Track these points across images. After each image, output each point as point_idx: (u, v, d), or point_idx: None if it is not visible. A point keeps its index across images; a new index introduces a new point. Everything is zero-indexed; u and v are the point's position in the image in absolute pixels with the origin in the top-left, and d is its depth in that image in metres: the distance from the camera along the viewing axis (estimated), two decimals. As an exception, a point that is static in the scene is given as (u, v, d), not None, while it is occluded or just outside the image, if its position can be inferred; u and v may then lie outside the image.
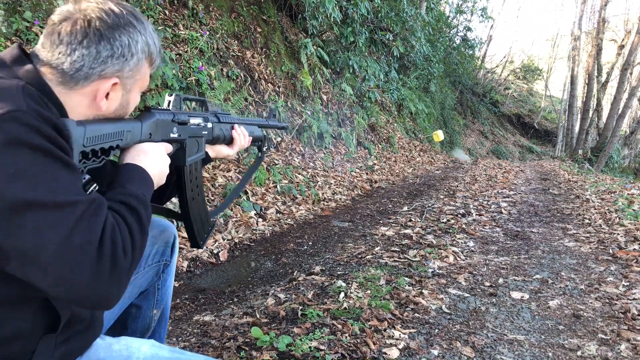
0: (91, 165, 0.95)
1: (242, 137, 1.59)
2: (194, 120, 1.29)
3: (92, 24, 0.91)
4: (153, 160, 1.07)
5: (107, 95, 0.96)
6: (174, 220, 1.88)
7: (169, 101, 1.23)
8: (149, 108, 1.14)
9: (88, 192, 0.86)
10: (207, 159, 1.47)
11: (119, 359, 1.01)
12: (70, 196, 0.76)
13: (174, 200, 3.18)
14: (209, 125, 1.40)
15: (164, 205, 1.39)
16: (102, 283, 0.77)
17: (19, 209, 0.71)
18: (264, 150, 1.86)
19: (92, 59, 0.91)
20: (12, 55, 0.89)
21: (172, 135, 1.19)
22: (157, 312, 1.54)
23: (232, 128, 1.56)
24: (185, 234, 3.54)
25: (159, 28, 4.78)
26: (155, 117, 1.13)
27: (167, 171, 1.13)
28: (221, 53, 5.82)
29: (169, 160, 1.14)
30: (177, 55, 4.87)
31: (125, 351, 1.03)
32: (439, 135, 13.09)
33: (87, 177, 0.90)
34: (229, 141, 1.57)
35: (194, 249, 3.52)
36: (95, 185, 0.91)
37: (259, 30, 7.04)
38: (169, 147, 1.19)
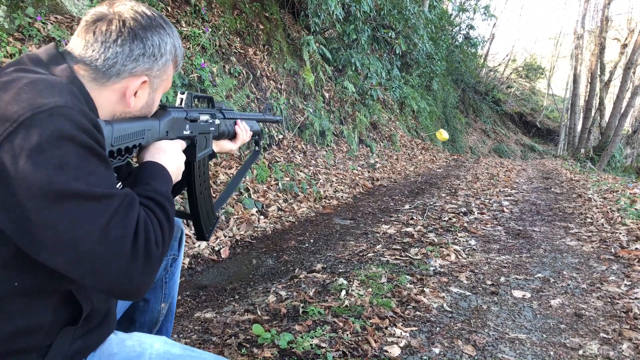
0: (116, 163, 0.98)
1: (244, 132, 1.64)
2: (203, 117, 1.33)
3: (126, 24, 0.95)
4: (171, 157, 1.10)
5: (135, 93, 1.00)
6: None
7: (181, 99, 1.27)
8: (165, 106, 1.17)
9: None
10: (212, 154, 1.50)
11: (132, 355, 1.02)
12: (107, 189, 0.79)
13: (178, 198, 3.18)
14: (216, 121, 1.43)
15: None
16: (136, 273, 0.80)
17: (60, 198, 0.73)
18: (261, 144, 1.90)
19: (125, 56, 0.95)
20: (49, 54, 0.92)
21: (185, 132, 1.23)
22: (164, 305, 1.56)
23: (235, 123, 1.60)
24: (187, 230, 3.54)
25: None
26: (171, 115, 1.16)
27: (183, 168, 1.16)
28: (223, 50, 5.81)
29: (184, 157, 1.17)
30: (179, 52, 4.86)
31: (138, 347, 1.04)
32: (443, 134, 12.99)
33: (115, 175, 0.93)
34: (232, 136, 1.61)
35: (198, 244, 3.52)
36: (120, 183, 0.93)
37: (262, 27, 7.03)
38: (183, 144, 1.22)
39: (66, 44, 3.12)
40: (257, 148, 1.91)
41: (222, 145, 1.58)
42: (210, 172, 4.42)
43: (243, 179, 1.96)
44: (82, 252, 0.75)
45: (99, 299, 0.98)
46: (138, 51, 0.96)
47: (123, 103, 0.99)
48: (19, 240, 0.76)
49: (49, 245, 0.74)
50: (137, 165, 1.09)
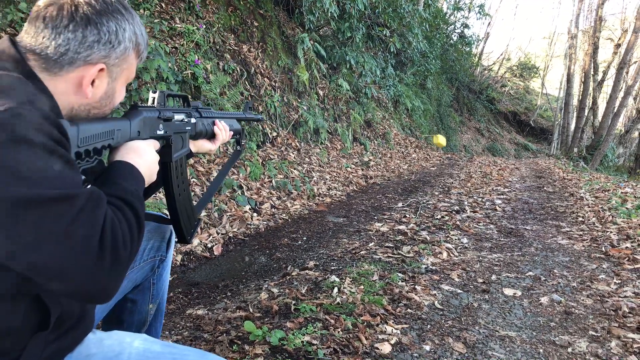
0: (85, 165, 0.94)
1: (223, 131, 1.60)
2: (177, 117, 1.30)
3: (79, 9, 0.90)
4: (143, 157, 1.07)
5: (93, 82, 0.95)
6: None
7: (154, 98, 1.23)
8: (136, 105, 1.14)
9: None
10: (189, 154, 1.46)
11: (111, 354, 1.00)
12: (70, 189, 0.76)
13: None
14: (192, 120, 1.40)
15: (151, 211, 1.40)
16: (103, 275, 0.78)
17: (21, 206, 0.71)
18: (242, 143, 1.86)
19: (77, 43, 0.89)
20: (2, 47, 0.88)
21: (158, 132, 1.20)
22: (152, 306, 1.55)
23: (214, 123, 1.56)
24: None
25: (155, 21, 4.75)
26: (143, 115, 1.13)
27: (157, 168, 1.13)
28: (217, 47, 5.80)
29: (157, 158, 1.14)
30: (173, 49, 4.85)
31: (117, 346, 1.02)
32: (440, 139, 13.02)
33: (82, 177, 0.90)
34: (211, 136, 1.57)
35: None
36: (89, 185, 0.90)
37: (256, 24, 7.01)
38: (156, 144, 1.18)
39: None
40: (238, 147, 1.87)
41: (200, 145, 1.55)
42: (203, 169, 4.42)
43: (224, 179, 1.92)
44: (47, 254, 0.72)
45: (70, 301, 0.95)
46: (92, 37, 0.91)
47: (80, 94, 0.94)
48: None
49: (9, 249, 0.72)
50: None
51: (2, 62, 0.86)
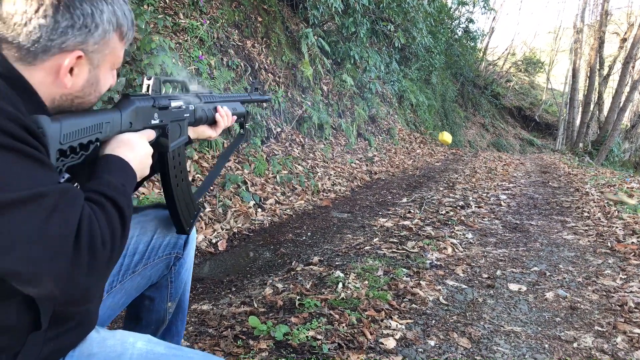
0: (70, 162, 0.89)
1: (225, 118, 1.52)
2: (175, 104, 1.23)
3: None
4: (134, 150, 1.01)
5: (71, 70, 0.89)
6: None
7: (148, 85, 1.17)
8: (128, 95, 1.08)
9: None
10: (188, 141, 1.40)
11: (112, 355, 0.98)
12: (38, 189, 0.72)
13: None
14: (191, 107, 1.33)
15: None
16: (80, 275, 0.74)
17: None
18: (246, 127, 1.76)
19: (49, 29, 0.83)
20: None
21: (153, 121, 1.13)
22: (171, 304, 1.50)
23: (215, 109, 1.49)
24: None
25: (159, 16, 4.75)
26: (135, 105, 1.07)
27: (150, 161, 1.08)
28: (221, 42, 5.79)
29: (151, 150, 1.08)
30: (177, 44, 4.85)
31: (119, 347, 0.99)
32: (445, 136, 13.01)
33: (67, 176, 0.86)
34: (212, 121, 1.50)
35: (196, 237, 3.52)
36: (76, 184, 0.86)
37: (260, 19, 7.00)
38: (151, 134, 1.13)
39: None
40: (242, 131, 1.78)
41: (200, 132, 1.48)
42: (207, 165, 4.42)
43: (226, 162, 1.83)
44: (18, 258, 0.68)
45: None
46: (65, 22, 0.84)
47: (59, 83, 0.88)
48: None
49: None
50: None
51: None
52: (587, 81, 20.23)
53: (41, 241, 0.70)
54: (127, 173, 0.96)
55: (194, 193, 1.48)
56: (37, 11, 0.82)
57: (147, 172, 1.07)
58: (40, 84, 0.86)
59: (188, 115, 1.31)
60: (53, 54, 0.85)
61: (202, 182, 1.73)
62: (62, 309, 0.90)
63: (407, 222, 4.41)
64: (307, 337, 2.08)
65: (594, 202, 5.88)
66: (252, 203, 4.48)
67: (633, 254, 3.67)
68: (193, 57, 4.89)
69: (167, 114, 1.20)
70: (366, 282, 2.79)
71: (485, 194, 6.28)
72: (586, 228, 4.56)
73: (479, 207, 5.34)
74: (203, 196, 3.97)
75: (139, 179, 1.03)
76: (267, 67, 6.71)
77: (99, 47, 0.91)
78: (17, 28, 0.82)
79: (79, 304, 0.79)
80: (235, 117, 1.61)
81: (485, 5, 19.58)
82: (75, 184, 0.86)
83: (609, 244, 3.97)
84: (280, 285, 2.74)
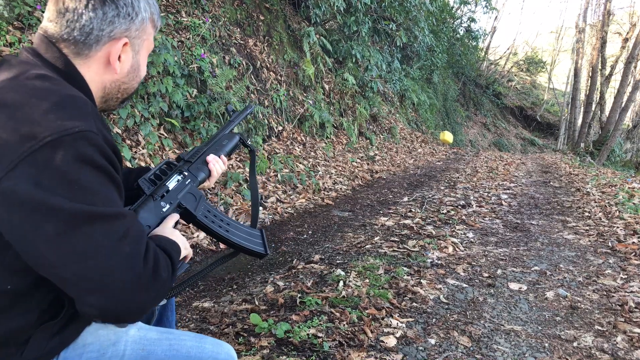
0: None
1: (217, 165, 1.46)
2: (171, 184, 1.24)
3: None
4: (174, 235, 1.07)
5: (119, 57, 0.99)
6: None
7: (137, 185, 1.17)
8: (124, 214, 1.05)
9: None
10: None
11: (107, 343, 1.01)
12: (119, 209, 0.82)
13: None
14: (186, 174, 1.32)
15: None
16: (140, 292, 0.80)
17: (78, 218, 0.76)
18: (249, 143, 1.72)
19: (99, 20, 0.93)
20: (42, 45, 0.92)
21: (163, 210, 1.16)
22: None
23: (206, 161, 1.44)
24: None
25: (161, 15, 4.75)
26: (140, 214, 1.09)
27: (185, 241, 1.11)
28: (223, 41, 5.80)
29: (179, 234, 1.11)
30: (179, 43, 4.85)
31: (112, 335, 1.03)
32: (446, 135, 13.03)
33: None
34: (209, 174, 1.45)
35: (196, 234, 3.54)
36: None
37: (262, 18, 7.00)
38: (174, 217, 1.17)
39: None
40: (248, 150, 1.72)
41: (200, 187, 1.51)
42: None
43: (256, 180, 1.79)
44: (95, 264, 0.76)
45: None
46: (112, 12, 0.94)
47: (110, 71, 0.98)
48: (25, 255, 0.77)
49: (57, 259, 0.75)
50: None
51: (41, 60, 0.90)
52: (589, 81, 20.20)
53: (117, 255, 0.78)
54: (173, 244, 1.02)
55: (250, 224, 1.53)
56: (87, 6, 0.91)
57: (189, 250, 1.13)
58: (95, 75, 0.97)
59: (190, 180, 1.32)
60: (104, 43, 0.95)
61: (251, 210, 1.72)
62: (110, 321, 0.94)
63: (408, 221, 4.42)
64: (308, 334, 2.09)
65: (595, 202, 5.88)
66: (253, 201, 4.48)
67: (634, 253, 3.68)
68: (195, 56, 4.90)
69: (173, 193, 1.23)
70: (367, 280, 2.79)
71: (486, 194, 6.28)
72: (587, 228, 4.56)
73: (480, 207, 5.35)
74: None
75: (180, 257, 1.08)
76: (268, 65, 6.71)
77: (139, 34, 1.01)
78: (71, 24, 0.91)
79: (132, 317, 0.84)
80: (226, 160, 1.54)
81: (487, 4, 19.58)
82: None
83: (609, 244, 3.98)
84: (281, 283, 2.75)
